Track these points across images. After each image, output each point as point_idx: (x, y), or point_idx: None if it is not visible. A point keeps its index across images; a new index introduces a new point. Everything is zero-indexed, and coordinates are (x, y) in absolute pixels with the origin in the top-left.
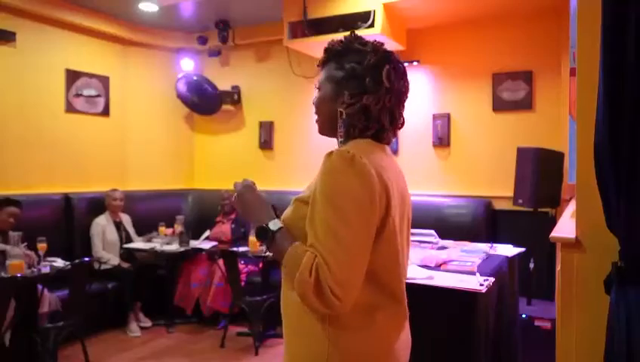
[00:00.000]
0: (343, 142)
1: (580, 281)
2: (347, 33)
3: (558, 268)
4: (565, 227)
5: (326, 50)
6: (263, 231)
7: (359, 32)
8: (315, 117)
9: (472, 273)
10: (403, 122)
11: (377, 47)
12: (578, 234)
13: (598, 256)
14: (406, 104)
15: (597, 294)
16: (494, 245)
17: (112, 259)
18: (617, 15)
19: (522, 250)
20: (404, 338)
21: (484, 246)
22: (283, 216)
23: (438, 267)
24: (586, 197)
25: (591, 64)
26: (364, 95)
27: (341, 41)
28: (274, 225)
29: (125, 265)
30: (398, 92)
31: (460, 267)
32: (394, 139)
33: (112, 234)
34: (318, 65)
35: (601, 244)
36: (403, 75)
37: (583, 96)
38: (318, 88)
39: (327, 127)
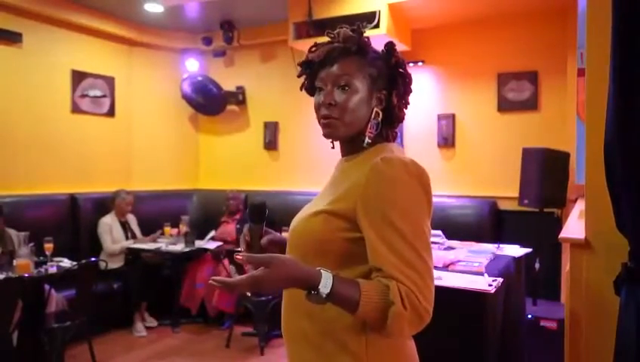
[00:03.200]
0: (370, 144)
1: (589, 282)
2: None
3: (567, 268)
4: (574, 228)
5: (356, 42)
6: (316, 297)
7: (366, 34)
8: (324, 120)
9: (480, 273)
10: None
11: (390, 45)
12: (587, 235)
13: (608, 256)
14: (411, 104)
15: (607, 295)
16: (501, 245)
17: (121, 253)
18: (628, 14)
19: (529, 250)
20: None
21: (491, 247)
22: (306, 229)
23: (445, 267)
24: (596, 197)
25: (600, 64)
26: (405, 95)
27: (360, 33)
28: (325, 286)
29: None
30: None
31: (467, 267)
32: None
33: (119, 234)
34: (327, 57)
35: (610, 245)
36: None
37: (592, 97)
38: (347, 85)
39: (354, 129)
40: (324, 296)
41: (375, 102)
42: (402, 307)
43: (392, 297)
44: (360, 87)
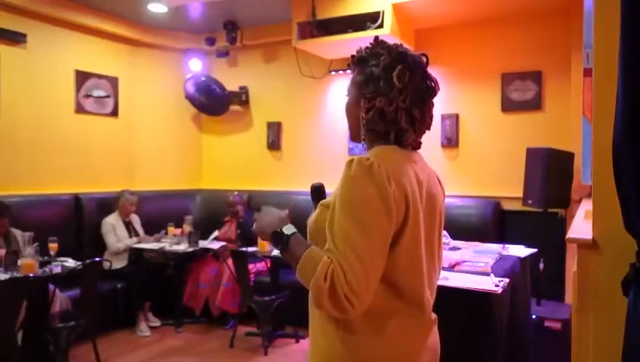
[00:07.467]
0: (368, 147)
1: (596, 283)
2: (358, 33)
3: (574, 269)
4: (581, 228)
5: (352, 57)
6: (277, 236)
7: (368, 33)
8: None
9: (486, 274)
10: (427, 121)
11: (392, 48)
12: (595, 236)
13: (616, 257)
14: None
15: (614, 295)
16: (507, 246)
17: (125, 252)
18: (637, 12)
19: (534, 250)
20: (428, 345)
21: (496, 247)
22: (309, 220)
23: (451, 268)
24: (603, 198)
25: (608, 63)
26: (377, 98)
27: (367, 47)
28: (288, 229)
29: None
30: (416, 91)
31: (473, 268)
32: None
33: (122, 234)
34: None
35: (618, 245)
36: (423, 74)
37: (600, 96)
38: (347, 94)
39: (353, 133)
40: (285, 236)
41: (361, 108)
42: (322, 279)
43: (318, 268)
44: (349, 94)
